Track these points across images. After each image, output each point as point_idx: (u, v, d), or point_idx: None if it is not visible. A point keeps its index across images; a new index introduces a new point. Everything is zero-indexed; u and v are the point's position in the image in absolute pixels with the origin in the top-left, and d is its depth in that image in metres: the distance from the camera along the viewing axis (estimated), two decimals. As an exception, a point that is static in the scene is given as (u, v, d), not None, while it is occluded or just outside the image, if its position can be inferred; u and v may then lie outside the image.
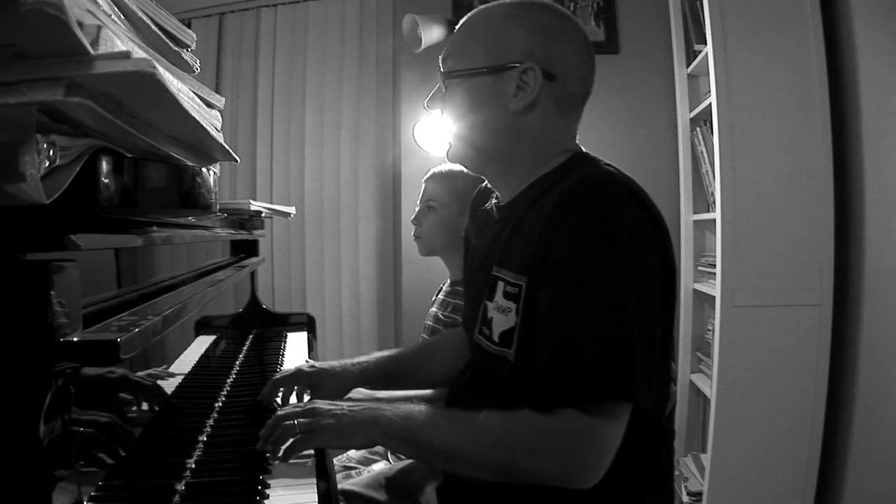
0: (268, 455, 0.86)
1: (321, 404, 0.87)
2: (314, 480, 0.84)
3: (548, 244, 0.81)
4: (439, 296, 1.60)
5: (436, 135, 2.39)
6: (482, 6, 0.97)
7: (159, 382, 0.87)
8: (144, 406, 0.79)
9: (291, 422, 0.85)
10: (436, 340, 1.33)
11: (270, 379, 1.08)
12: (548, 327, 0.79)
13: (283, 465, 0.87)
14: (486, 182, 1.11)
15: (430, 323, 1.55)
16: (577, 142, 0.99)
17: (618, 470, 0.76)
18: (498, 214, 1.01)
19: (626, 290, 0.76)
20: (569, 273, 0.78)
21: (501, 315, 0.90)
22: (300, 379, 1.08)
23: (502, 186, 1.01)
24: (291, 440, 0.84)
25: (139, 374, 0.79)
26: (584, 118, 0.99)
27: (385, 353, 1.20)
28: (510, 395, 0.85)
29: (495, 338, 0.90)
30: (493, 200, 1.06)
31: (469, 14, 0.98)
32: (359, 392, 1.18)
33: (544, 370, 0.78)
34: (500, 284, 0.91)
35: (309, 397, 1.09)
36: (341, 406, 0.86)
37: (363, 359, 1.15)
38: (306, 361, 1.30)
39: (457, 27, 0.98)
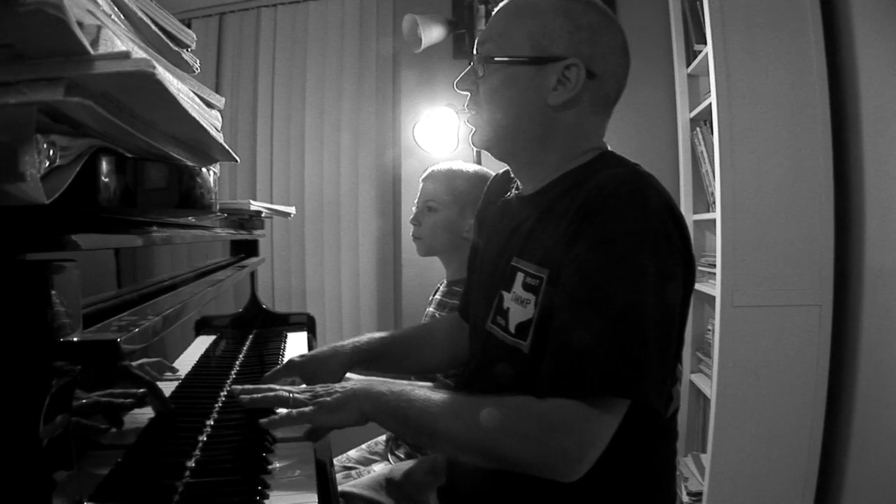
0: (272, 458, 0.87)
1: (315, 389, 0.89)
2: (314, 481, 0.84)
3: (573, 240, 0.81)
4: (436, 296, 1.59)
5: (436, 134, 2.39)
6: None
7: (160, 382, 0.87)
8: (144, 409, 0.79)
9: (286, 393, 0.87)
10: (430, 326, 1.33)
11: (263, 377, 1.07)
12: (561, 322, 0.79)
13: (283, 465, 0.86)
14: (506, 170, 1.10)
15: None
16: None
17: (621, 470, 0.76)
18: (519, 205, 1.00)
19: (645, 293, 0.76)
20: (590, 272, 0.78)
21: (519, 306, 0.89)
22: (291, 372, 1.08)
23: (527, 178, 0.99)
24: (284, 412, 0.85)
25: (143, 371, 0.79)
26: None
27: (378, 334, 1.19)
28: (522, 386, 0.85)
29: (511, 328, 0.90)
30: (514, 191, 1.05)
31: None
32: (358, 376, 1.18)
33: (550, 362, 0.78)
34: (520, 276, 0.90)
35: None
36: (334, 386, 0.88)
37: (355, 339, 1.15)
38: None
39: (497, 9, 0.95)
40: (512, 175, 1.05)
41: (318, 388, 0.89)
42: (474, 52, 0.96)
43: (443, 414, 0.80)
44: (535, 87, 0.90)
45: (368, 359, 1.14)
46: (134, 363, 0.75)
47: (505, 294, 0.93)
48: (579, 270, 0.79)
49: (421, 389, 0.84)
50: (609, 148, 0.97)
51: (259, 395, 0.89)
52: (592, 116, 0.93)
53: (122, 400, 0.73)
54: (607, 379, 0.74)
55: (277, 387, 0.92)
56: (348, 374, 1.13)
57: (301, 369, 1.08)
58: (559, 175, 0.93)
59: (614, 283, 0.77)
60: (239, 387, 0.93)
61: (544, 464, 0.75)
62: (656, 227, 0.78)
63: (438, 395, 0.84)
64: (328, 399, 0.85)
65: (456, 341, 1.14)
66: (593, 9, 0.92)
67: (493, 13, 0.96)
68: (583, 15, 0.90)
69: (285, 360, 1.42)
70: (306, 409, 0.85)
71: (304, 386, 0.96)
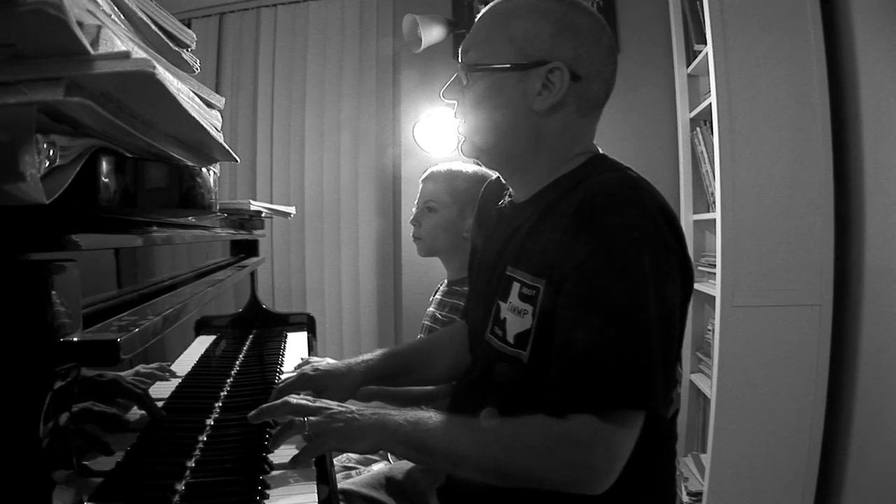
0: (271, 458, 0.87)
1: (331, 405, 0.87)
2: (314, 480, 0.84)
3: (569, 248, 0.80)
4: (437, 296, 1.60)
5: (436, 134, 2.39)
6: None
7: (160, 382, 0.87)
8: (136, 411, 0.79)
9: (301, 420, 0.85)
10: (439, 336, 1.33)
11: (275, 388, 1.06)
12: (567, 332, 0.78)
13: (283, 465, 0.87)
14: (498, 176, 1.09)
15: (428, 323, 1.55)
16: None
17: (621, 472, 0.76)
18: (512, 213, 0.99)
19: (648, 297, 0.75)
20: (591, 279, 0.77)
21: (517, 316, 0.88)
22: (305, 385, 1.08)
23: (518, 185, 0.99)
24: (302, 449, 0.84)
25: (142, 370, 0.79)
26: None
27: (388, 350, 1.19)
28: (522, 395, 0.84)
29: (510, 339, 0.89)
30: (507, 198, 1.04)
31: (492, 4, 0.94)
32: (369, 387, 1.18)
33: (561, 375, 0.77)
34: (516, 285, 0.89)
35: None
36: (350, 409, 0.86)
37: (367, 357, 1.15)
38: (307, 362, 1.29)
39: (479, 17, 0.95)
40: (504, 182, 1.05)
41: (331, 404, 0.87)
42: (459, 61, 0.95)
43: (465, 442, 0.79)
44: (520, 93, 0.89)
45: (381, 376, 1.14)
46: (127, 372, 0.75)
47: (501, 304, 0.92)
48: (580, 280, 0.78)
49: (435, 415, 0.83)
50: (600, 150, 0.96)
51: (277, 433, 0.87)
52: (580, 119, 0.92)
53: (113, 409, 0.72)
54: (623, 392, 0.74)
55: (293, 400, 0.90)
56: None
57: (314, 383, 1.07)
58: (551, 181, 0.93)
59: (616, 292, 0.76)
60: (254, 413, 0.91)
61: (573, 481, 0.75)
62: (652, 232, 0.78)
63: (456, 422, 0.83)
64: (341, 425, 0.83)
65: (465, 349, 1.14)
66: (575, 10, 0.91)
67: (476, 20, 0.95)
68: (564, 17, 0.89)
69: (286, 360, 1.43)
70: (321, 438, 0.83)
71: (314, 401, 0.95)
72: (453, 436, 0.81)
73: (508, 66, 0.89)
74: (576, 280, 0.79)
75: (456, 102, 0.96)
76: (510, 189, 1.03)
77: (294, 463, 0.84)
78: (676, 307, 0.81)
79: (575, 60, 0.88)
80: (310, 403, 0.88)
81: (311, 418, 0.85)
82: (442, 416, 0.83)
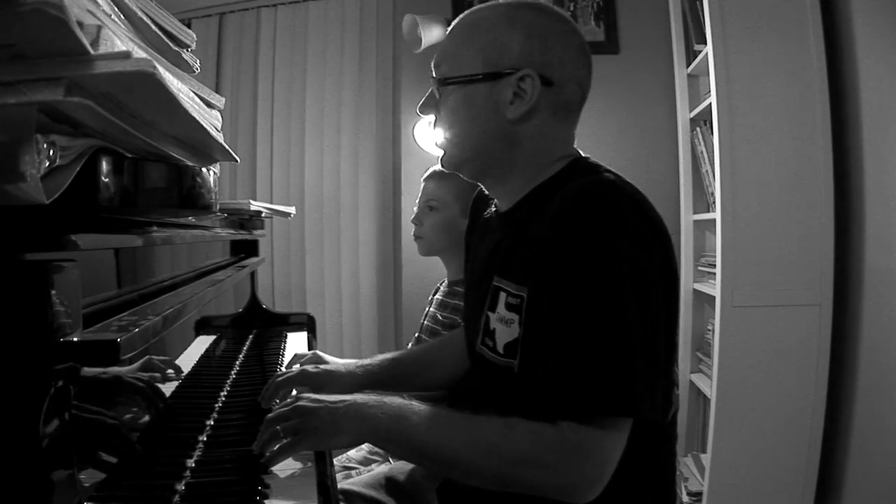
0: (262, 461, 0.86)
1: (305, 402, 0.85)
2: (314, 480, 0.84)
3: (548, 255, 0.80)
4: (437, 296, 1.59)
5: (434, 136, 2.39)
6: (474, 8, 0.94)
7: (160, 382, 0.87)
8: (141, 408, 0.79)
9: (277, 427, 0.83)
10: (439, 342, 1.33)
11: (272, 379, 1.07)
12: (549, 339, 0.78)
13: (284, 464, 0.86)
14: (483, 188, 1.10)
15: (429, 324, 1.54)
16: (577, 144, 0.97)
17: (620, 474, 0.76)
18: (497, 222, 0.99)
19: (627, 301, 0.75)
20: (570, 285, 0.77)
21: (504, 326, 0.88)
22: (304, 380, 1.07)
23: (501, 194, 0.99)
24: (277, 446, 0.83)
25: (140, 372, 0.79)
26: (584, 119, 0.97)
27: (388, 355, 1.19)
28: (516, 405, 0.84)
29: (500, 349, 0.89)
30: (493, 208, 1.04)
31: (461, 16, 0.94)
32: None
33: (546, 382, 0.77)
34: (502, 295, 0.89)
35: None
36: (325, 402, 0.84)
37: (367, 361, 1.15)
38: (299, 357, 1.29)
39: (448, 30, 0.95)
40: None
41: (305, 401, 0.85)
42: (432, 75, 0.95)
43: (452, 441, 0.79)
44: (493, 104, 0.89)
45: (380, 381, 1.13)
46: (135, 366, 0.75)
47: (490, 315, 0.92)
48: (559, 287, 0.78)
49: (419, 408, 0.82)
50: (582, 153, 0.96)
51: (264, 440, 0.86)
52: (556, 124, 0.91)
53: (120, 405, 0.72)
54: (606, 398, 0.73)
55: (273, 414, 0.87)
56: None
57: (313, 381, 1.07)
58: (532, 188, 0.92)
59: (594, 297, 0.76)
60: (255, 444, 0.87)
61: (564, 489, 0.75)
62: (630, 234, 0.77)
63: (443, 419, 0.82)
64: (317, 424, 0.81)
65: (465, 354, 1.14)
66: (544, 15, 0.90)
67: (447, 34, 0.95)
68: (532, 24, 0.88)
69: (286, 360, 1.42)
70: (296, 438, 0.81)
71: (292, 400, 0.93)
72: (441, 435, 0.79)
73: (479, 76, 0.89)
74: (555, 287, 0.78)
75: (433, 117, 0.96)
76: (495, 199, 1.03)
77: (268, 461, 0.82)
78: (661, 308, 0.80)
79: (545, 66, 0.88)
80: (286, 408, 0.85)
81: (286, 424, 0.83)
82: (428, 411, 0.82)
